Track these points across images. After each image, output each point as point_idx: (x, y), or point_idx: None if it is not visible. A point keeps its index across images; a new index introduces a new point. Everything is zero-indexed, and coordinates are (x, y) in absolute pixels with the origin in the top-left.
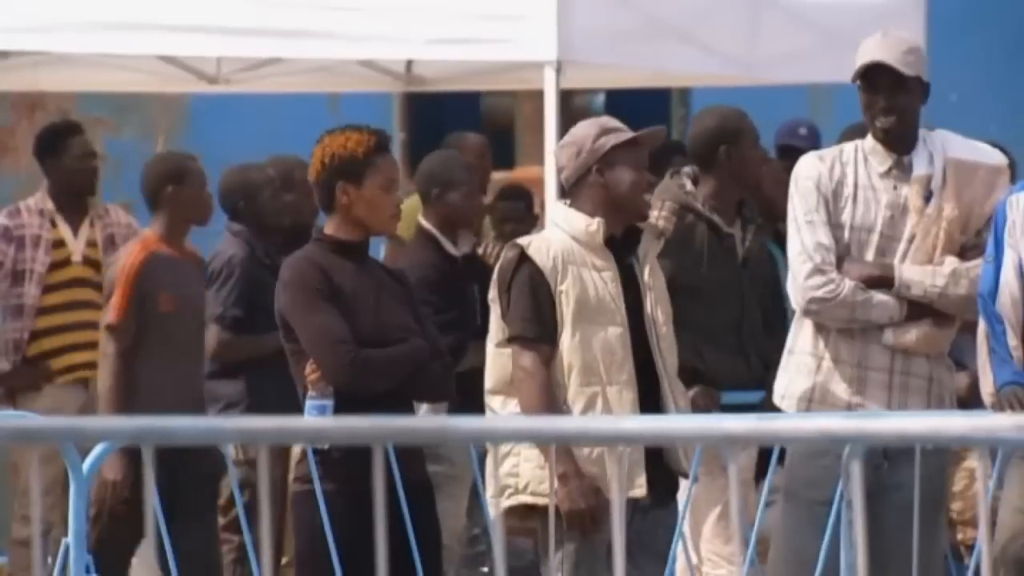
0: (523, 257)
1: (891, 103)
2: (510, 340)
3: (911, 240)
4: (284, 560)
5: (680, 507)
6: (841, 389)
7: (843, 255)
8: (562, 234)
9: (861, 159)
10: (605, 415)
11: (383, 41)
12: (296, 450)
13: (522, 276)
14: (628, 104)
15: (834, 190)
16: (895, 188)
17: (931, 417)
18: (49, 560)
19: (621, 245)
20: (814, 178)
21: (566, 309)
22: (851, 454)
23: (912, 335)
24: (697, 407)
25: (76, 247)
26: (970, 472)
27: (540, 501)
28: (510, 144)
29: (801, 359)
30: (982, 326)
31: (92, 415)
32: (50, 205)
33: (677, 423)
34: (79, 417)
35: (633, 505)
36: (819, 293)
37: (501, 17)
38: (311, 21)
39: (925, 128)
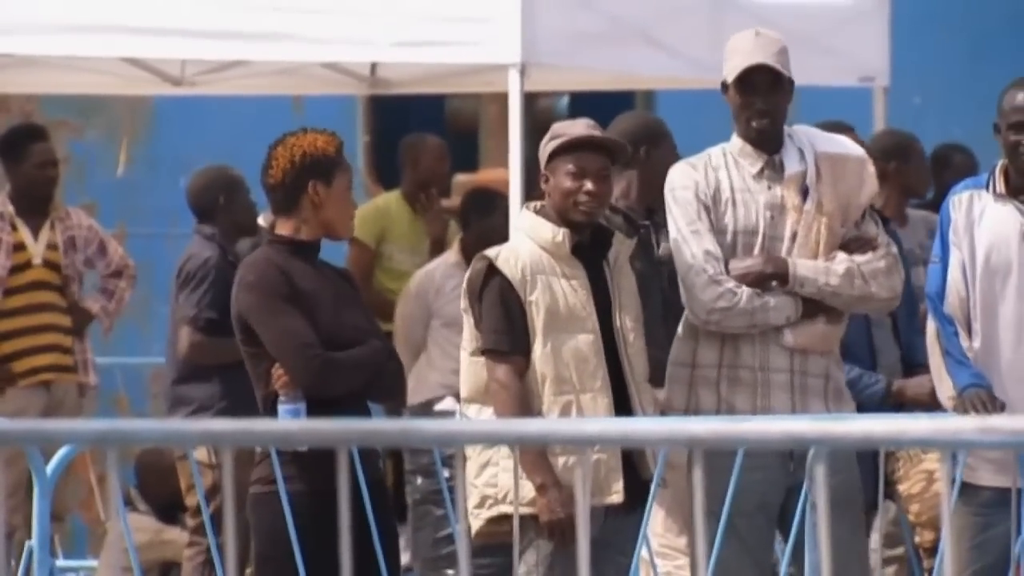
0: (492, 269)
1: (767, 105)
2: (483, 353)
3: (793, 238)
4: (249, 571)
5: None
6: (745, 397)
7: (728, 259)
8: (530, 243)
9: (732, 163)
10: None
11: (347, 43)
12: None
13: (492, 288)
14: (592, 106)
15: (712, 196)
16: (769, 188)
17: (895, 420)
18: (13, 563)
19: (591, 249)
20: (691, 187)
21: (536, 319)
22: (815, 457)
23: (809, 334)
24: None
25: (36, 250)
26: (929, 474)
27: (520, 510)
28: (474, 147)
29: (701, 372)
30: (931, 328)
31: (55, 418)
32: (10, 208)
33: (641, 425)
34: (43, 420)
35: (605, 509)
36: (719, 304)
37: (465, 20)
38: (275, 23)
39: (828, 127)
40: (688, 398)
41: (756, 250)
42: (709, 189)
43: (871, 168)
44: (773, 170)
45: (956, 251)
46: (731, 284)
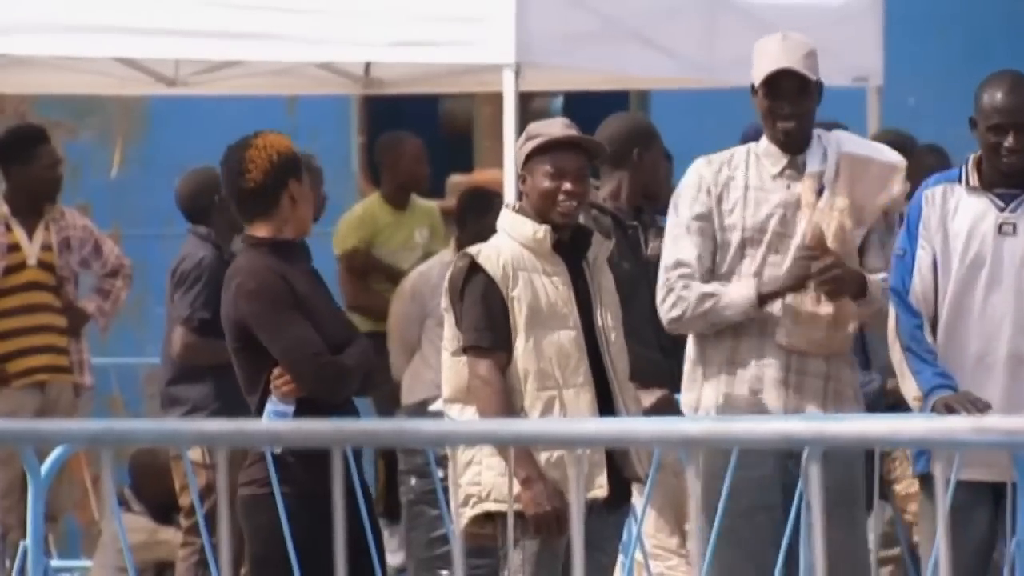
0: (473, 266)
1: (794, 109)
2: (465, 350)
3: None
4: (244, 571)
5: (638, 510)
6: (743, 392)
7: (735, 256)
8: (511, 241)
9: (753, 161)
10: (563, 418)
11: (342, 43)
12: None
13: (474, 285)
14: (586, 107)
15: (719, 194)
16: (788, 187)
17: (890, 419)
18: (7, 563)
19: (571, 248)
20: (695, 184)
21: (519, 315)
22: (810, 456)
23: (803, 337)
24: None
25: (31, 251)
26: None
27: (503, 508)
28: (469, 147)
29: (708, 369)
30: (892, 324)
31: (49, 418)
32: (5, 209)
33: (635, 425)
34: (38, 420)
35: (588, 506)
36: (672, 313)
37: (460, 19)
38: (270, 23)
39: (823, 127)
40: (698, 395)
41: (763, 247)
42: (716, 188)
43: (900, 176)
44: (795, 169)
45: (927, 245)
46: (683, 291)
